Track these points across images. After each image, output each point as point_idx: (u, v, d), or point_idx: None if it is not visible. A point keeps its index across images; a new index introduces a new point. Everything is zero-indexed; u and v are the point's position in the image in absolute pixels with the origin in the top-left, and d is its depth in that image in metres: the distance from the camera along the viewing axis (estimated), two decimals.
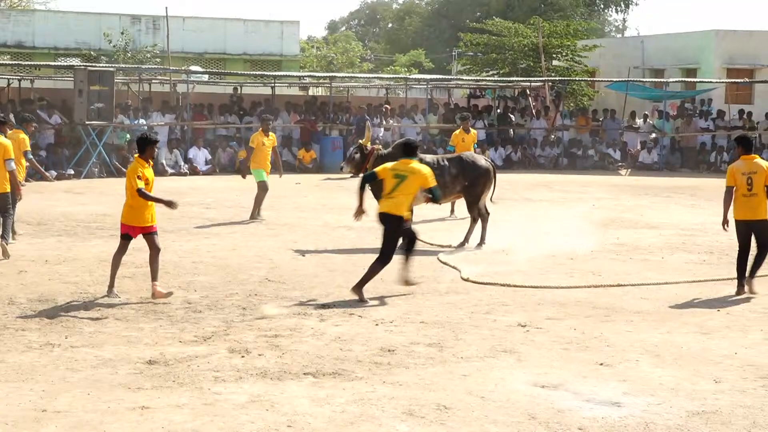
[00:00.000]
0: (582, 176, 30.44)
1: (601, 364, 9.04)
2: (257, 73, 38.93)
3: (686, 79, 38.30)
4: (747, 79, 38.04)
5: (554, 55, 40.00)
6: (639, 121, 35.38)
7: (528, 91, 37.36)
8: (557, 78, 37.85)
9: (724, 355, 9.44)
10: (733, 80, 37.31)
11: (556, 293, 12.34)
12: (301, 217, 19.15)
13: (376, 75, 46.09)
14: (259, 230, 17.39)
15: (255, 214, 18.43)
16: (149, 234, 11.72)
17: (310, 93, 41.25)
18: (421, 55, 58.70)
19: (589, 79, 40.19)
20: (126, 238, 11.84)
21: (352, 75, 43.96)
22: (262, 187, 18.46)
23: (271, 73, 37.05)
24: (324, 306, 11.33)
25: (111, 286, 11.68)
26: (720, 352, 9.58)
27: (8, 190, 14.47)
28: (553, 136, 34.78)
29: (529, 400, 7.95)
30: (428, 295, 12.09)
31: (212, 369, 8.70)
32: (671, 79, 37.13)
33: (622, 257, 15.25)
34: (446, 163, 16.05)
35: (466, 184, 15.98)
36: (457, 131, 20.63)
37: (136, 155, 11.81)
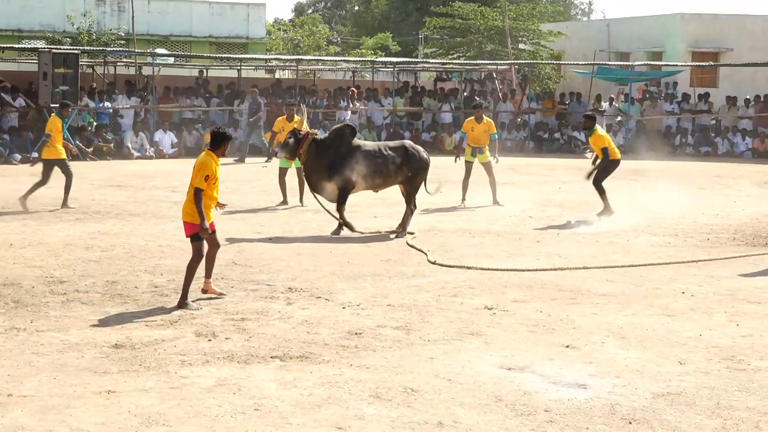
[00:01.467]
0: (548, 159, 30.55)
1: (567, 347, 9.08)
2: (223, 55, 38.70)
3: (652, 62, 38.50)
4: (712, 63, 38.29)
5: (520, 39, 40.04)
6: (605, 105, 35.49)
7: (494, 74, 37.43)
8: (524, 61, 37.90)
9: (688, 337, 9.50)
10: (698, 63, 37.52)
11: (523, 276, 12.38)
12: (268, 200, 19.12)
13: (342, 58, 45.96)
14: (224, 214, 17.30)
15: (283, 197, 18.85)
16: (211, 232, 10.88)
17: (277, 76, 41.10)
18: (388, 38, 58.55)
19: (555, 62, 40.30)
20: (197, 239, 10.59)
21: (319, 58, 43.80)
22: (281, 172, 18.85)
23: (237, 56, 36.88)
24: (291, 289, 11.32)
25: (184, 296, 10.49)
26: (685, 334, 9.64)
27: (63, 156, 17.76)
28: (519, 120, 34.86)
29: (496, 383, 7.98)
30: (395, 279, 12.10)
31: (179, 353, 8.68)
32: (637, 62, 37.29)
33: (588, 240, 15.32)
34: (390, 152, 15.56)
35: (410, 175, 15.66)
36: (470, 118, 20.11)
37: (206, 148, 10.67)
